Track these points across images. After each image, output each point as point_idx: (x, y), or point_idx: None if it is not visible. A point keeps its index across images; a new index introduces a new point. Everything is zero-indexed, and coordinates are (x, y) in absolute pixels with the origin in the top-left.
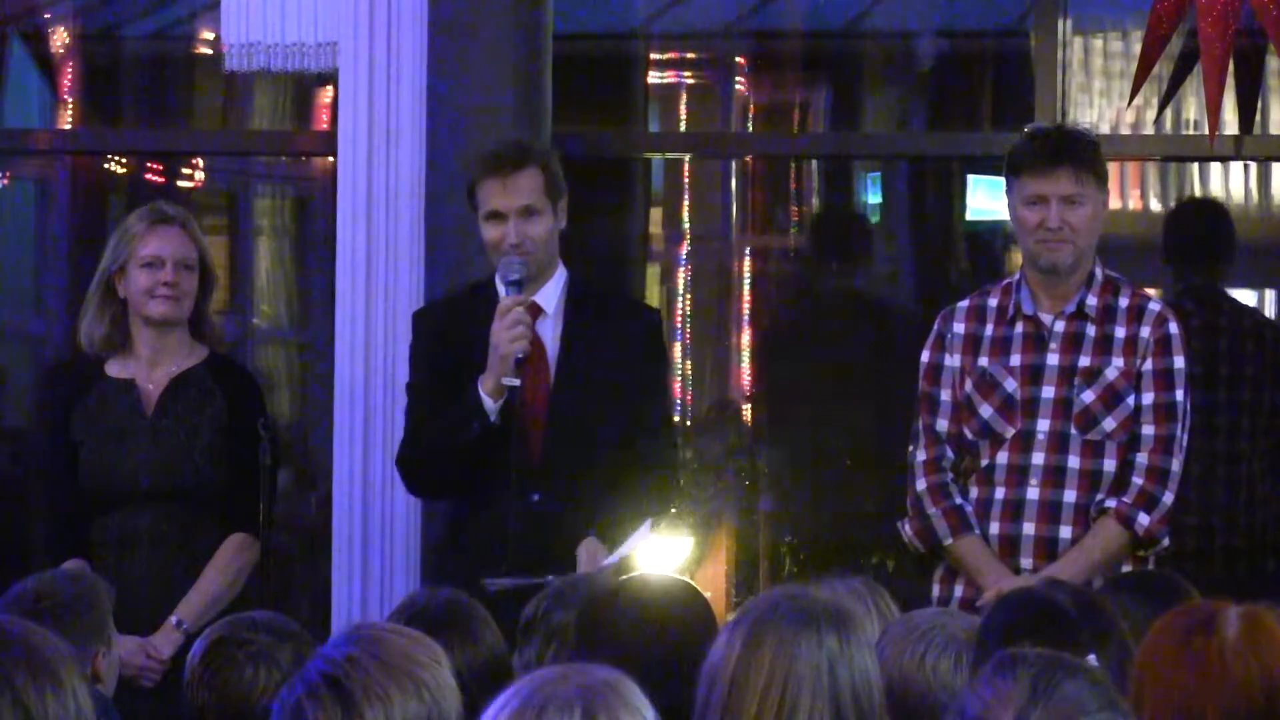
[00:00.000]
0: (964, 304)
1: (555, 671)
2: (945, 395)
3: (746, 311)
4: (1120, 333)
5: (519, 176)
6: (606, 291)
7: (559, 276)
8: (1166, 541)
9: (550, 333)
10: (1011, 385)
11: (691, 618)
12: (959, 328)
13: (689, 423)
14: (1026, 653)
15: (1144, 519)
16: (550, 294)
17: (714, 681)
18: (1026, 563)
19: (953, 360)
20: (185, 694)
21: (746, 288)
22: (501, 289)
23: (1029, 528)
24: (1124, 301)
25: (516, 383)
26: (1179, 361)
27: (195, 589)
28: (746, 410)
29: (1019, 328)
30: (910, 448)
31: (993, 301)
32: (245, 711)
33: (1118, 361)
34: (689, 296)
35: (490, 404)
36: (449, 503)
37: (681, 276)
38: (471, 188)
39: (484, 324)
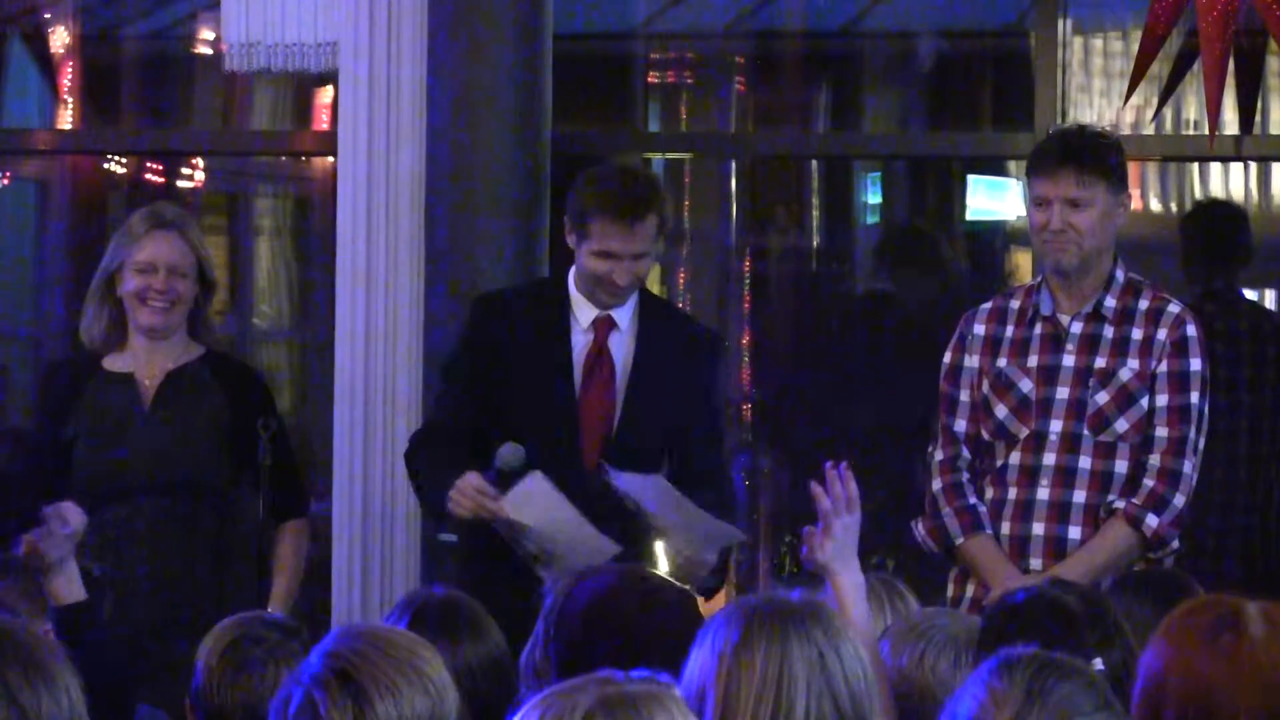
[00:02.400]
0: (986, 305)
1: (587, 679)
2: (964, 396)
3: (746, 311)
4: (1137, 334)
5: (642, 225)
6: (674, 310)
7: (632, 295)
8: (1176, 544)
9: (621, 347)
10: (1027, 386)
11: (690, 611)
12: (979, 329)
13: None
14: (1021, 654)
15: (1152, 520)
16: (625, 311)
17: (703, 692)
18: (1036, 563)
19: (972, 361)
20: (199, 695)
21: (746, 288)
22: (586, 308)
23: (1038, 528)
24: (1144, 304)
25: (453, 539)
26: (1195, 364)
27: (275, 594)
28: (746, 410)
29: (1037, 329)
30: (929, 447)
31: (1014, 303)
32: (265, 711)
33: (1132, 363)
34: (689, 296)
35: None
36: None
37: (681, 276)
38: (583, 215)
39: (541, 326)
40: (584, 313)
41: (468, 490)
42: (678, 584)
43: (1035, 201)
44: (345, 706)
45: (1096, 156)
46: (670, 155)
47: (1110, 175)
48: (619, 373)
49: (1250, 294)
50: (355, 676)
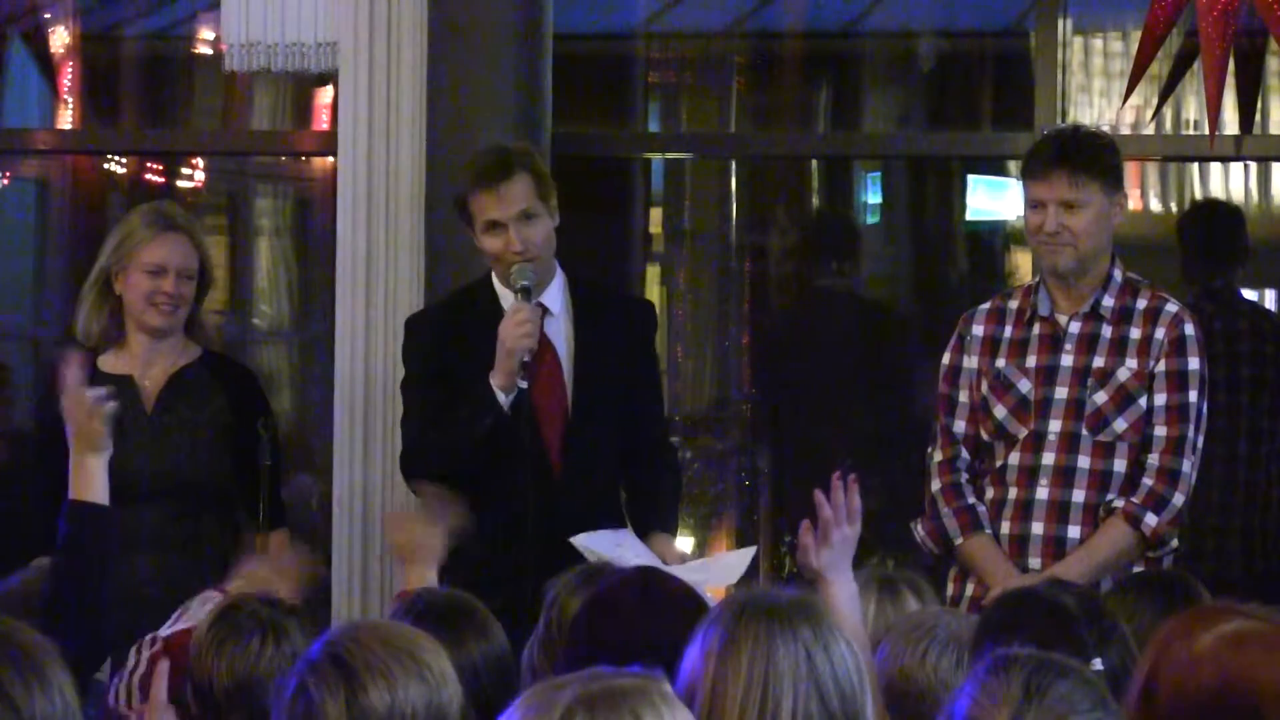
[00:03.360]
0: (985, 306)
1: (574, 675)
2: (963, 397)
3: (747, 311)
4: (1135, 334)
5: (510, 184)
6: (603, 287)
7: (559, 276)
8: (1175, 543)
9: (560, 333)
10: (1026, 386)
11: (696, 611)
12: (978, 330)
13: (689, 422)
14: (1018, 653)
15: (1151, 519)
16: (554, 295)
17: (693, 691)
18: (1035, 563)
19: (971, 362)
20: (191, 669)
21: (746, 288)
22: (511, 296)
23: (1038, 527)
24: (1141, 303)
25: (524, 384)
26: (1193, 363)
27: None
28: (746, 410)
29: (1036, 329)
30: (929, 448)
31: (1013, 304)
32: (253, 680)
33: (1130, 363)
34: (689, 296)
35: (503, 397)
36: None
37: (681, 276)
38: (462, 201)
39: (481, 325)
40: (511, 303)
41: (516, 315)
42: (685, 582)
43: (1030, 204)
44: (337, 690)
45: (1091, 158)
46: (670, 155)
47: (1105, 176)
48: (563, 357)
49: (1250, 294)
50: (349, 661)
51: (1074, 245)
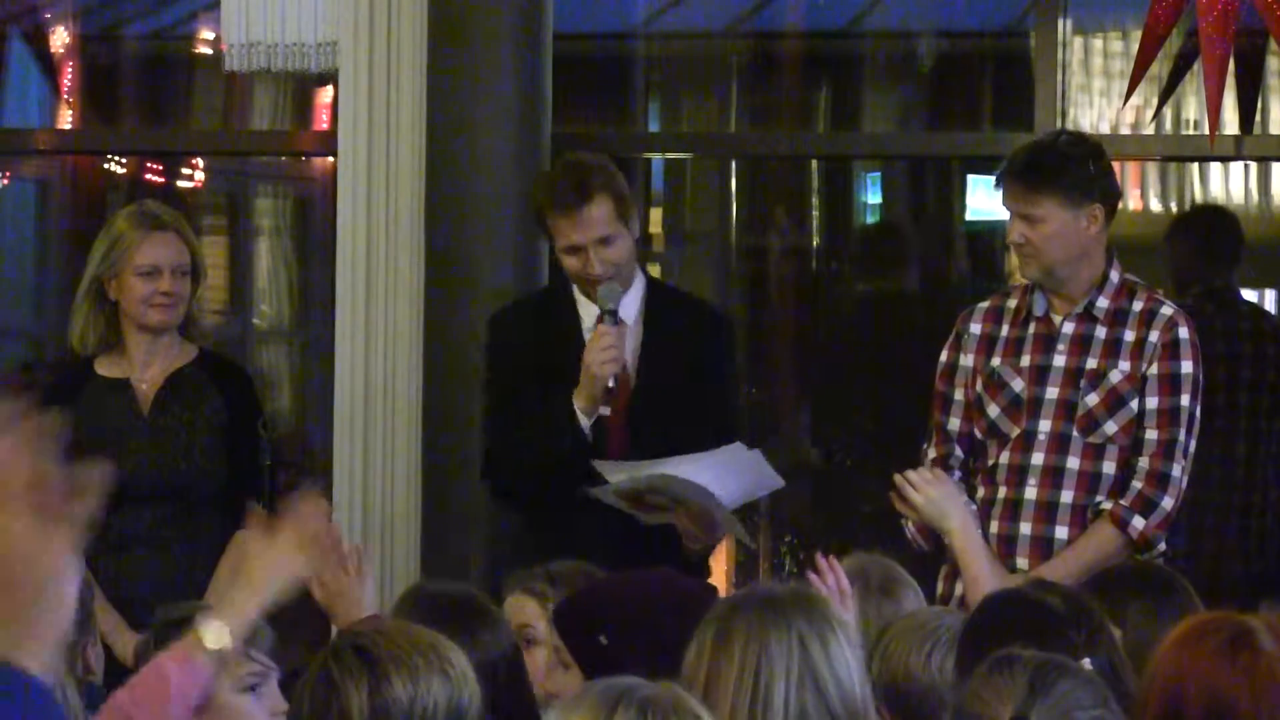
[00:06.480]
0: (984, 304)
1: (632, 684)
2: (958, 395)
3: (747, 311)
4: (1129, 336)
5: (589, 209)
6: (682, 296)
7: (638, 284)
8: (1163, 546)
9: (630, 342)
10: (1019, 385)
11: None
12: (975, 328)
13: None
14: (1022, 652)
15: (1139, 522)
16: (630, 303)
17: (689, 683)
18: (1022, 563)
19: (967, 360)
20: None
21: (746, 288)
22: (589, 305)
23: (1025, 528)
24: (1137, 305)
25: (606, 411)
26: (1187, 367)
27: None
28: (746, 410)
29: (1031, 329)
30: (924, 445)
31: (1011, 303)
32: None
33: (1123, 365)
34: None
35: (584, 420)
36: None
37: (681, 276)
38: (539, 214)
39: (558, 333)
40: (589, 312)
41: (601, 340)
42: (702, 582)
43: (1007, 211)
44: (361, 680)
45: (1045, 174)
46: (670, 155)
47: (1066, 191)
48: (630, 366)
49: (1250, 294)
50: (373, 652)
51: (1036, 257)
